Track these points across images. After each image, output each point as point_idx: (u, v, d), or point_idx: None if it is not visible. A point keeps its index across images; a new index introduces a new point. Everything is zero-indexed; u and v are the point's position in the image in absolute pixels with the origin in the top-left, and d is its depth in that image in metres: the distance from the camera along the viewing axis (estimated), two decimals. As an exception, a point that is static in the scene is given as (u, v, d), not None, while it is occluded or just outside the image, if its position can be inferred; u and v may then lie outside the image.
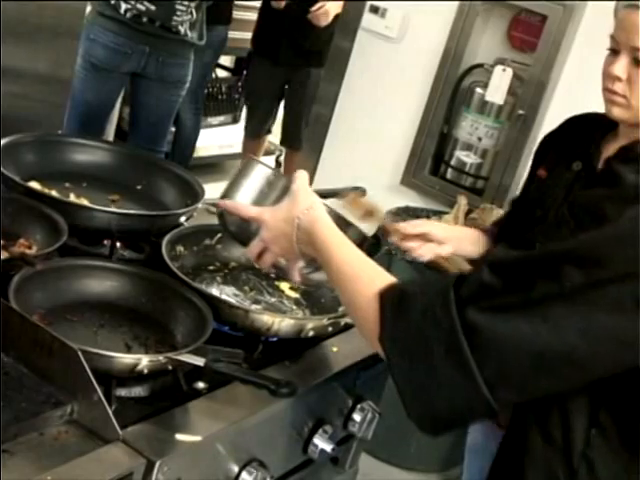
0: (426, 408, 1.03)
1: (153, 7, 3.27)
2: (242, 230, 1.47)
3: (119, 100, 3.86)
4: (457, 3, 3.23)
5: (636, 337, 0.91)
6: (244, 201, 1.46)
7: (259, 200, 1.45)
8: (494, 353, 0.96)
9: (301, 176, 1.37)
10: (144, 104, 3.60)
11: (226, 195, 1.49)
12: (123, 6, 3.23)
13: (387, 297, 1.08)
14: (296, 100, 4.59)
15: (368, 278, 1.15)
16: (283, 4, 4.21)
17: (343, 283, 1.20)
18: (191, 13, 3.39)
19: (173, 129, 4.86)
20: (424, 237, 1.79)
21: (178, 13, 3.34)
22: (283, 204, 1.37)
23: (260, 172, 1.48)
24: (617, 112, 1.62)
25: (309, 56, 4.42)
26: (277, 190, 1.44)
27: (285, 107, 4.74)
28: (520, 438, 1.09)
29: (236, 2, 4.64)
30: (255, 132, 4.82)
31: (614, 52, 1.62)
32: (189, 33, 3.43)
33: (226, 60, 5.62)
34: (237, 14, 4.63)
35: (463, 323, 0.97)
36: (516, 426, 1.12)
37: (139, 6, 3.25)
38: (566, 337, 0.93)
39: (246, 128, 4.87)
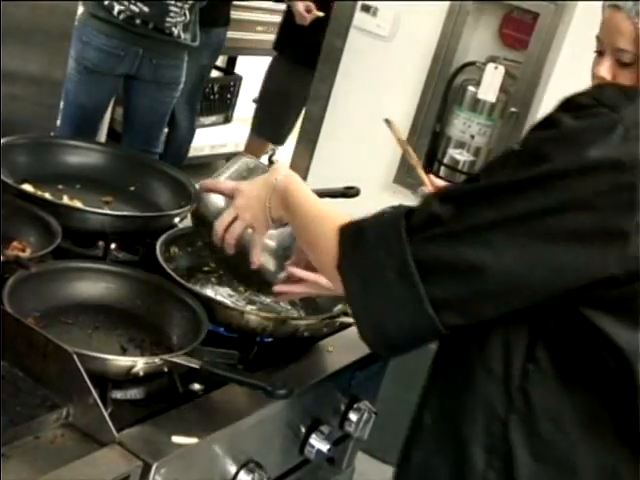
0: (377, 328, 1.11)
1: (146, 8, 3.26)
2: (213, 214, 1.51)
3: (112, 102, 3.85)
4: (448, 1, 3.23)
5: (568, 265, 0.98)
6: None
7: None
8: (440, 277, 1.04)
9: (282, 161, 1.42)
10: (138, 106, 3.59)
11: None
12: (116, 8, 3.21)
13: (346, 230, 1.17)
14: None
15: (332, 219, 1.22)
16: (308, 20, 4.17)
17: (308, 225, 1.27)
18: (184, 14, 3.38)
19: (166, 130, 4.87)
20: None
21: (171, 14, 3.33)
22: (262, 175, 1.44)
23: (242, 160, 1.52)
24: None
25: None
26: (256, 175, 1.50)
27: None
28: (462, 369, 1.14)
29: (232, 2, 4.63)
30: (271, 135, 4.75)
31: (600, 53, 1.62)
32: (182, 35, 3.42)
33: (218, 60, 5.62)
34: (232, 14, 4.62)
35: (413, 249, 1.05)
36: (458, 358, 1.16)
37: (132, 7, 3.24)
38: (507, 263, 1.00)
39: (259, 129, 4.81)
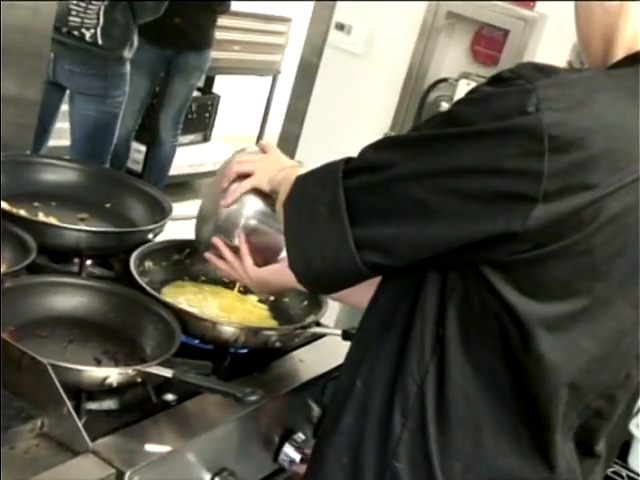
0: (304, 261, 1.19)
1: None
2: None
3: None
4: (421, 19, 3.29)
5: (474, 219, 1.03)
6: None
7: None
8: (364, 219, 1.11)
9: None
10: (72, 118, 3.59)
11: None
12: None
13: (299, 176, 1.25)
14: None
15: None
16: None
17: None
18: (96, 17, 3.33)
19: (144, 148, 4.89)
20: None
21: (73, 13, 3.28)
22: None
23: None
24: None
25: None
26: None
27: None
28: (389, 335, 1.18)
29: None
30: None
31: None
32: (100, 40, 3.37)
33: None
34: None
35: (345, 190, 1.12)
36: (384, 324, 1.20)
37: None
38: (422, 212, 1.07)
39: None
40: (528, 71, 1.04)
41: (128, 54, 3.59)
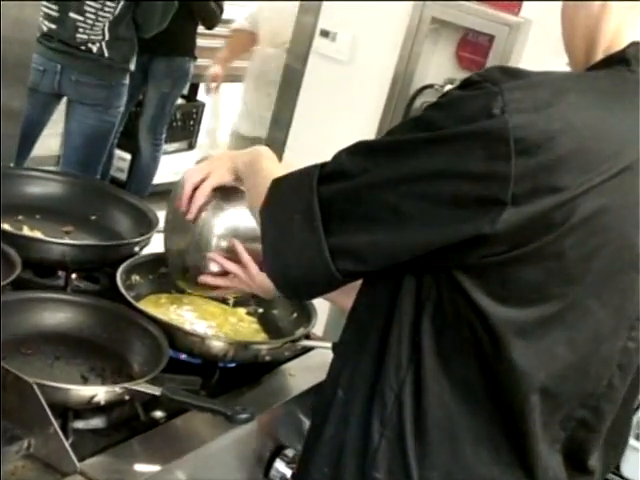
0: (282, 268, 1.19)
1: (54, 26, 3.28)
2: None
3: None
4: (405, 25, 3.28)
5: (445, 223, 1.03)
6: None
7: None
8: (339, 226, 1.11)
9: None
10: (70, 128, 3.58)
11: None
12: None
13: (274, 180, 1.23)
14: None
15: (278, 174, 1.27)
16: None
17: (258, 184, 1.32)
18: (102, 33, 3.37)
19: (128, 157, 4.87)
20: None
21: (80, 30, 3.32)
22: None
23: None
24: None
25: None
26: None
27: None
28: (368, 345, 1.17)
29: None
30: None
31: None
32: (106, 53, 3.40)
33: (180, 87, 5.63)
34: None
35: (319, 197, 1.12)
36: (364, 334, 1.19)
37: (42, 26, 3.25)
38: (395, 219, 1.06)
39: None
40: (495, 74, 1.04)
41: (132, 66, 3.60)
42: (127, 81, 3.66)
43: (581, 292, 1.07)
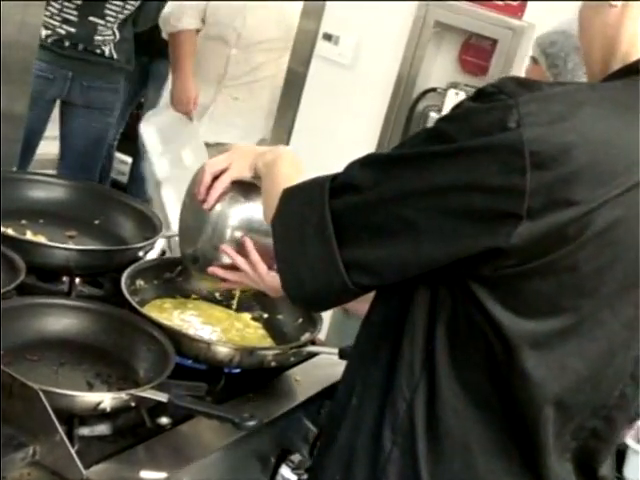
0: (296, 281, 1.18)
1: (73, 29, 3.25)
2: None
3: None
4: (408, 29, 3.27)
5: (460, 236, 1.03)
6: None
7: None
8: (352, 240, 1.10)
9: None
10: (71, 131, 3.54)
11: None
12: (44, 32, 3.16)
13: (286, 190, 1.22)
14: None
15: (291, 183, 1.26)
16: None
17: (273, 189, 1.31)
18: (114, 33, 3.35)
19: (129, 160, 4.85)
20: None
21: (99, 30, 3.30)
22: None
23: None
24: None
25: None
26: None
27: None
28: (381, 353, 1.17)
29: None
30: None
31: None
32: (115, 55, 3.39)
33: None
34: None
35: (331, 210, 1.11)
36: (378, 341, 1.19)
37: (59, 30, 3.23)
38: (410, 233, 1.06)
39: None
40: (511, 86, 1.03)
41: (131, 66, 3.60)
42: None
43: (595, 305, 1.07)
